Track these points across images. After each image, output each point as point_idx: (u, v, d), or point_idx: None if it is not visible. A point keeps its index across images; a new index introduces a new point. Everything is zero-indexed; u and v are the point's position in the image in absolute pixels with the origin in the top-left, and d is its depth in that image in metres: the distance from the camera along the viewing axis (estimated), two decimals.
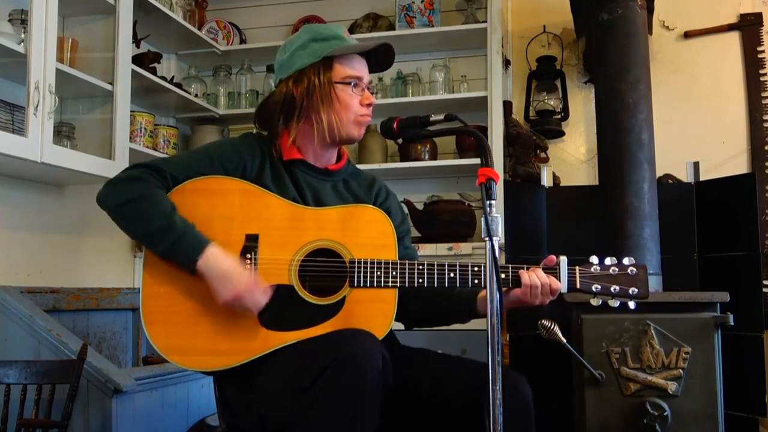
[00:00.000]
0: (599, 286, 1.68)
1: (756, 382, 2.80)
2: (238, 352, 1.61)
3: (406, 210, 2.27)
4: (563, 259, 1.68)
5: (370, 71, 1.82)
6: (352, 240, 1.68)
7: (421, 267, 1.65)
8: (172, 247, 1.59)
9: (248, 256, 1.65)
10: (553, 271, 1.68)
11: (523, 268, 1.67)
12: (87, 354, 2.24)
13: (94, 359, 2.34)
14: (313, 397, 1.45)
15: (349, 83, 1.75)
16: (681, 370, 2.61)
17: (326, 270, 1.66)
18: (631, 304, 1.69)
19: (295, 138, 1.79)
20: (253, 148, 1.78)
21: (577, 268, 1.68)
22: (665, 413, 2.57)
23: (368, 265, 1.65)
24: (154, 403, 2.51)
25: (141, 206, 1.62)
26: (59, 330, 2.45)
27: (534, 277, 1.65)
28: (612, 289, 1.68)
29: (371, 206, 1.75)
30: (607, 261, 1.70)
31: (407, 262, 1.65)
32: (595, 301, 1.69)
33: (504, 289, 1.66)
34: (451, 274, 1.66)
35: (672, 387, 2.60)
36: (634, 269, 1.69)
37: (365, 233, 1.69)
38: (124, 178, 1.67)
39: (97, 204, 1.68)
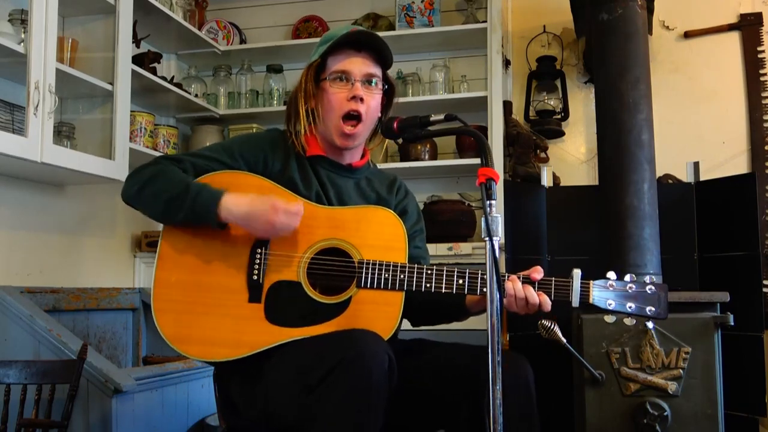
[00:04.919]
0: (613, 303, 1.61)
1: (756, 382, 2.79)
2: (241, 345, 1.63)
3: None
4: (576, 272, 1.61)
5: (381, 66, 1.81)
6: (363, 241, 1.69)
7: (429, 271, 1.64)
8: (192, 209, 1.62)
9: (258, 251, 1.68)
10: (543, 285, 1.62)
11: (512, 277, 1.62)
12: (87, 354, 2.24)
13: (94, 359, 2.34)
14: (319, 397, 1.45)
15: (339, 78, 1.76)
16: (681, 370, 2.61)
17: (335, 269, 1.67)
18: (649, 324, 1.64)
19: (316, 134, 1.82)
20: (276, 143, 1.81)
21: (591, 282, 1.61)
22: (665, 413, 2.57)
23: (376, 266, 1.64)
24: (154, 403, 2.51)
25: (156, 183, 1.66)
26: (59, 330, 2.45)
27: (511, 288, 1.60)
28: (627, 306, 1.61)
29: (385, 208, 1.75)
30: (626, 278, 1.63)
31: (416, 266, 1.64)
32: (609, 318, 1.64)
33: None
34: (460, 281, 1.63)
35: (672, 387, 2.60)
36: (653, 288, 1.61)
37: (377, 235, 1.70)
38: (140, 168, 1.72)
39: (122, 200, 1.72)
